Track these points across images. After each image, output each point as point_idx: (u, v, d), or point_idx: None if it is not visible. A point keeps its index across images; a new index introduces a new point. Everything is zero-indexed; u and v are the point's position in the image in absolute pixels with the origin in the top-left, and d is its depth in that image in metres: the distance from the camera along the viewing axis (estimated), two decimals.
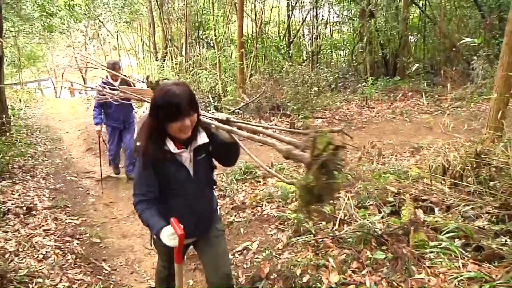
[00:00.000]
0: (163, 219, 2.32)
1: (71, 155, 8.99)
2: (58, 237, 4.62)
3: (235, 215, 4.83)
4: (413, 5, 15.69)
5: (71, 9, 15.36)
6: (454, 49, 13.15)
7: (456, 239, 3.38)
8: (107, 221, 5.47)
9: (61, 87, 28.33)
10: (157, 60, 19.55)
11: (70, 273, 3.88)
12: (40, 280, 3.60)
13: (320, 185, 1.74)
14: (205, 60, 16.23)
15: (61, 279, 3.73)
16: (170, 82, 2.23)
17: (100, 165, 6.95)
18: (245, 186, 5.72)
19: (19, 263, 3.85)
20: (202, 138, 2.39)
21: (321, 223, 4.03)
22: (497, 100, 5.25)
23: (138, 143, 2.29)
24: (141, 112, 3.73)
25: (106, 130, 6.93)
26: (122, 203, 6.11)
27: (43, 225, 4.89)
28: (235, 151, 2.57)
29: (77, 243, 4.61)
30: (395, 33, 14.62)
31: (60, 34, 21.75)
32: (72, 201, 6.12)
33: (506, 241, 3.23)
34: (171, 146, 2.28)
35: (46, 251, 4.18)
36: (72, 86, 25.83)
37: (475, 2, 13.82)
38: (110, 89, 5.72)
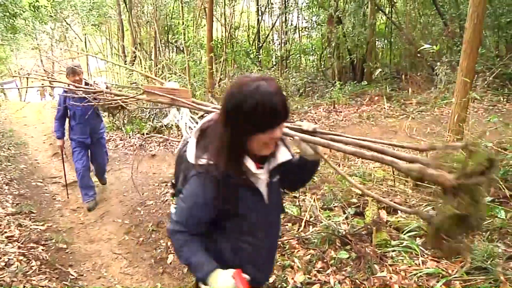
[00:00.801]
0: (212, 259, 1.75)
1: (36, 160, 8.78)
2: (22, 243, 4.52)
3: None
4: (379, 12, 16.07)
5: (36, 10, 15.01)
6: (418, 55, 13.52)
7: (417, 238, 3.50)
8: (73, 227, 5.39)
9: (27, 90, 27.61)
10: (125, 64, 19.33)
11: (34, 280, 3.80)
12: None
13: (467, 213, 1.38)
14: (174, 65, 16.14)
15: (24, 286, 3.65)
16: (253, 76, 1.56)
17: (64, 171, 6.48)
18: None
19: None
20: (283, 154, 1.77)
21: (287, 225, 4.10)
22: (456, 104, 5.45)
23: (203, 161, 1.65)
24: (168, 120, 3.46)
25: (71, 146, 5.88)
26: None
27: (5, 232, 4.77)
28: (314, 171, 2.04)
29: (42, 249, 4.52)
30: (362, 39, 14.92)
31: (24, 36, 21.25)
32: (38, 207, 5.99)
33: (462, 238, 3.36)
34: (251, 165, 1.65)
35: (9, 258, 4.08)
36: (43, 86, 25.21)
37: (438, 10, 14.27)
38: (79, 97, 5.06)
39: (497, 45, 13.82)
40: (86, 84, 5.39)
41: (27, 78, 26.79)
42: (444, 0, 14.91)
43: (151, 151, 8.74)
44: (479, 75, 9.19)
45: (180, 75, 14.06)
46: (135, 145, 9.19)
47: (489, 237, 3.43)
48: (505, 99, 10.44)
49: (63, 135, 5.83)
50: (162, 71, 15.24)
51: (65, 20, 22.49)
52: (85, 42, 26.29)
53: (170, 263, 4.08)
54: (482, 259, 3.01)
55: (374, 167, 5.85)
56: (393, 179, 4.82)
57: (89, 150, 5.96)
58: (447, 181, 1.36)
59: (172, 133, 9.74)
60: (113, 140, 9.64)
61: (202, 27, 18.78)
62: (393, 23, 15.94)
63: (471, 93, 5.50)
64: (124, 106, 4.91)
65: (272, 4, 18.60)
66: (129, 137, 9.73)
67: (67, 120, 5.79)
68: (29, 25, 19.32)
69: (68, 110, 5.64)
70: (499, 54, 13.03)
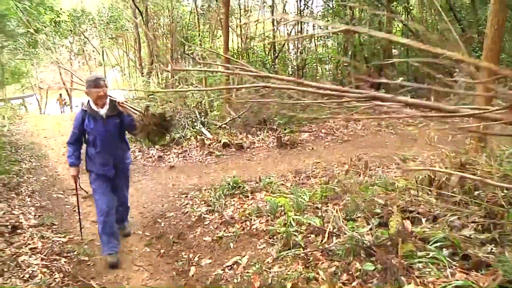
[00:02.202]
0: None
1: (57, 172, 8.89)
2: (45, 255, 4.56)
3: (224, 230, 4.82)
4: (395, 19, 15.98)
5: (56, 26, 15.32)
6: (436, 61, 13.37)
7: (444, 249, 3.42)
8: (94, 238, 5.40)
9: (46, 103, 28.11)
10: (142, 76, 19.54)
11: None
12: None
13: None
14: (191, 76, 16.26)
15: None
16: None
17: (78, 208, 5.46)
18: (233, 201, 5.72)
19: (4, 283, 3.78)
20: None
21: (310, 236, 4.05)
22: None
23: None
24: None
25: (89, 179, 4.75)
26: None
27: (29, 244, 4.82)
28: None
29: (65, 261, 4.55)
30: (379, 47, 14.85)
31: (45, 50, 21.68)
32: (59, 219, 6.04)
33: (492, 249, 3.29)
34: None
35: (33, 270, 4.12)
36: (60, 96, 25.59)
37: (455, 16, 14.14)
38: (104, 118, 4.45)
39: None
40: (112, 102, 4.45)
41: (47, 91, 27.26)
42: (461, 5, 14.78)
43: (170, 162, 8.78)
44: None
45: (196, 86, 14.15)
46: (154, 156, 9.23)
47: None
48: None
49: (79, 161, 4.62)
50: (179, 83, 15.35)
51: (83, 34, 22.90)
52: (103, 55, 26.70)
53: (192, 275, 4.06)
54: None
55: (396, 176, 5.77)
56: (416, 189, 4.74)
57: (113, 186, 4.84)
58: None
59: (191, 144, 9.77)
60: (132, 152, 9.71)
61: (218, 38, 18.93)
62: (409, 30, 15.84)
63: (494, 101, 5.38)
64: (167, 132, 4.34)
65: (287, 14, 18.63)
66: (148, 149, 9.79)
67: (82, 146, 4.73)
68: (49, 40, 19.69)
69: (86, 134, 4.58)
70: None
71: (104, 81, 4.46)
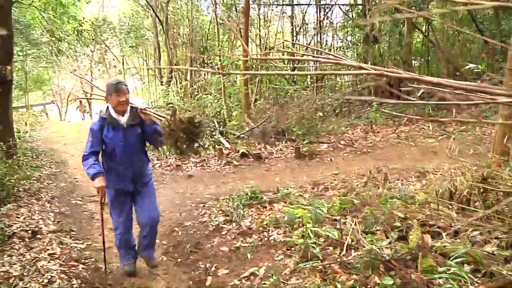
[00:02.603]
0: None
1: (76, 178, 9.00)
2: (63, 261, 4.59)
3: (242, 241, 4.80)
4: (416, 30, 15.87)
5: (79, 34, 15.63)
6: (457, 73, 13.23)
7: (465, 265, 3.34)
8: (112, 246, 5.43)
9: (66, 110, 28.58)
10: (162, 85, 19.75)
11: None
12: None
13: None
14: (210, 85, 16.39)
15: None
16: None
17: (103, 233, 4.63)
18: (251, 211, 5.70)
19: (24, 287, 3.82)
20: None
21: (328, 249, 4.01)
22: (502, 124, 5.27)
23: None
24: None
25: (107, 195, 4.22)
26: None
27: (48, 249, 4.86)
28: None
29: (83, 268, 4.57)
30: (399, 58, 14.75)
31: (67, 58, 22.09)
32: (77, 225, 6.10)
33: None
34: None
35: (51, 276, 4.15)
36: (81, 103, 25.94)
37: (477, 27, 13.99)
38: (126, 127, 4.02)
39: None
40: (133, 108, 4.05)
41: (67, 98, 27.72)
42: (484, 16, 14.62)
43: (188, 171, 8.81)
44: None
45: (215, 96, 14.24)
46: (172, 165, 9.29)
47: None
48: None
49: (102, 170, 4.07)
50: (198, 92, 15.48)
51: (104, 43, 23.28)
52: (123, 63, 27.08)
53: (209, 285, 4.05)
54: None
55: (415, 189, 5.69)
56: (436, 202, 4.66)
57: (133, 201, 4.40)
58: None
59: (209, 153, 9.80)
60: (150, 160, 9.78)
61: (237, 48, 19.04)
62: (430, 41, 15.71)
63: None
64: (196, 138, 3.80)
65: (306, 24, 18.68)
66: (166, 157, 9.85)
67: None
68: (71, 48, 20.08)
69: (104, 146, 4.09)
70: None
71: (126, 85, 4.03)
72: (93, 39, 20.97)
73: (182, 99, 16.34)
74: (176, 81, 20.09)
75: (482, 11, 14.76)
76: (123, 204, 4.30)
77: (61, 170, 9.59)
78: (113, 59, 27.18)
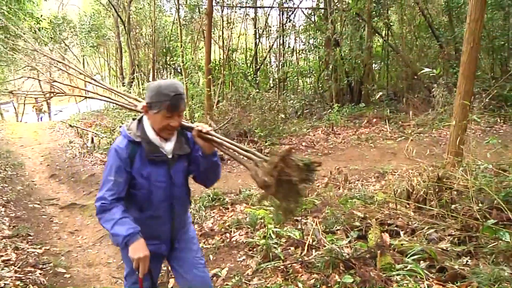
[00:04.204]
0: None
1: (33, 181, 8.73)
2: (19, 267, 4.45)
3: (204, 242, 4.79)
4: (376, 34, 16.27)
5: (36, 32, 15.13)
6: (415, 77, 13.66)
7: (421, 261, 3.47)
8: (72, 250, 5.32)
9: (23, 111, 27.62)
10: (123, 86, 19.42)
11: None
12: None
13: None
14: None
15: None
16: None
17: None
18: (213, 213, 5.70)
19: None
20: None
21: (289, 249, 4.06)
22: (456, 126, 5.49)
23: None
24: None
25: (123, 257, 2.70)
26: (87, 231, 5.96)
27: (1, 256, 4.70)
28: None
29: (40, 274, 4.45)
30: (359, 61, 15.08)
31: (24, 56, 21.36)
32: (35, 229, 5.92)
33: (467, 261, 3.36)
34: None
35: (5, 283, 4.01)
36: (36, 101, 24.94)
37: (433, 33, 14.49)
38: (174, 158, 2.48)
39: (492, 67, 14.04)
40: (183, 132, 2.56)
41: (25, 98, 26.75)
42: (440, 23, 15.15)
43: None
44: (476, 97, 9.29)
45: None
46: None
47: (494, 260, 3.41)
48: (502, 120, 10.53)
49: (138, 227, 2.35)
50: None
51: (64, 42, 22.67)
52: (83, 64, 26.45)
53: (172, 287, 4.02)
54: (488, 283, 2.98)
55: (375, 189, 5.84)
56: (395, 202, 4.80)
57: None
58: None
59: None
60: (93, 164, 9.59)
61: (200, 49, 18.97)
62: (389, 46, 16.14)
63: (471, 116, 5.53)
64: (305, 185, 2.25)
65: (269, 27, 18.81)
66: None
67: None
68: (28, 47, 19.41)
69: (132, 186, 2.45)
70: (494, 76, 13.22)
71: (184, 99, 2.42)
72: (51, 37, 20.38)
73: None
74: (138, 82, 19.81)
75: (438, 18, 15.32)
76: (152, 270, 2.49)
77: (17, 173, 9.28)
78: (73, 59, 26.50)
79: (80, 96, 3.27)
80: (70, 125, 14.83)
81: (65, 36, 22.48)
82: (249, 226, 4.82)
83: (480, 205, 4.22)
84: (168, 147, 2.44)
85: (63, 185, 7.19)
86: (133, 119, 2.49)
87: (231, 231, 4.88)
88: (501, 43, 13.40)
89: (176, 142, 2.48)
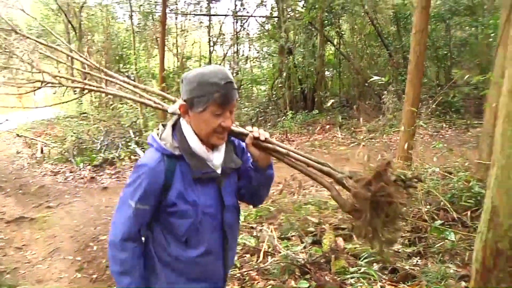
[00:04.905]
0: None
1: None
2: None
3: None
4: (328, 43, 16.65)
5: None
6: (366, 84, 14.06)
7: (374, 264, 3.58)
8: (19, 266, 5.09)
9: None
10: (75, 93, 18.88)
11: None
12: None
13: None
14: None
15: None
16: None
17: None
18: None
19: None
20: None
21: (245, 256, 4.07)
22: (404, 132, 5.71)
23: None
24: None
25: None
26: (37, 245, 5.73)
27: None
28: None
29: None
30: (312, 69, 15.36)
31: None
32: None
33: (417, 261, 3.50)
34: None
35: None
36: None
37: (383, 42, 15.01)
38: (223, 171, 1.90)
39: (437, 75, 14.73)
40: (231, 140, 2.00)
41: None
42: (388, 32, 15.71)
43: (102, 183, 8.50)
44: (423, 103, 9.68)
45: (131, 105, 13.90)
46: (86, 177, 8.91)
47: (441, 259, 3.57)
48: (447, 126, 11.02)
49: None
50: (113, 101, 15.01)
51: (9, 47, 21.78)
52: (31, 70, 25.46)
53: None
54: (436, 280, 3.12)
55: (328, 195, 5.95)
56: None
57: None
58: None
59: (124, 164, 9.54)
60: (62, 173, 9.29)
61: (154, 57, 18.75)
62: (341, 54, 16.55)
63: (418, 122, 5.77)
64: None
65: (223, 35, 18.87)
66: (80, 169, 9.43)
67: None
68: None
69: (170, 215, 1.79)
70: (439, 83, 13.85)
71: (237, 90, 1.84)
72: None
73: (97, 108, 15.75)
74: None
75: (387, 27, 15.89)
76: None
77: None
78: (21, 66, 25.48)
79: (84, 88, 2.20)
80: (18, 135, 14.24)
81: (10, 40, 21.59)
82: None
83: (428, 207, 4.41)
84: (217, 159, 1.84)
85: (10, 198, 6.87)
86: (163, 125, 1.88)
87: None
88: (444, 52, 14.13)
89: (226, 152, 1.89)
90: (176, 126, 1.84)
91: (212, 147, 1.84)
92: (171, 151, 1.74)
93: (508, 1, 4.37)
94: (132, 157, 9.97)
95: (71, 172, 9.36)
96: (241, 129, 1.92)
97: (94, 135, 11.50)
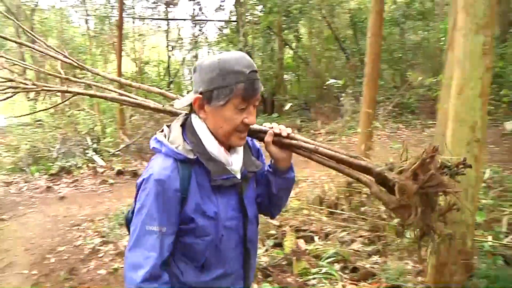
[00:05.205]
0: None
1: None
2: None
3: (120, 262, 4.63)
4: (287, 46, 16.84)
5: None
6: (325, 87, 14.30)
7: (336, 264, 3.64)
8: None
9: None
10: (28, 100, 18.26)
11: None
12: None
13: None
14: (82, 101, 15.56)
15: None
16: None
17: None
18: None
19: None
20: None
21: None
22: (362, 133, 5.84)
23: None
24: None
25: None
26: None
27: None
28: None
29: None
30: (271, 73, 15.48)
31: None
32: None
33: (377, 259, 3.59)
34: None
35: None
36: None
37: (340, 46, 15.32)
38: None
39: (393, 77, 15.17)
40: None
41: None
42: (346, 36, 16.05)
43: (59, 193, 8.25)
44: (380, 105, 9.93)
45: (88, 112, 13.58)
46: (42, 187, 8.62)
47: (400, 255, 3.68)
48: (404, 126, 11.37)
49: None
50: (69, 108, 14.60)
51: None
52: None
53: None
54: (395, 277, 3.21)
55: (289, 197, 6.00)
56: (308, 208, 4.98)
57: None
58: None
59: (82, 173, 9.30)
60: (15, 183, 8.95)
61: (111, 62, 18.41)
62: (300, 58, 16.77)
63: (374, 123, 5.91)
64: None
65: (182, 39, 18.75)
66: (35, 179, 9.11)
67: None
68: None
69: (194, 233, 1.49)
70: (395, 85, 14.28)
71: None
72: None
73: (52, 115, 15.27)
74: (45, 95, 18.72)
75: (344, 31, 16.23)
76: None
77: None
78: None
79: (67, 92, 2.14)
80: None
81: None
82: None
83: None
84: (237, 163, 1.56)
85: None
86: (167, 126, 1.60)
87: None
88: (399, 55, 14.60)
89: (244, 153, 1.62)
90: (185, 126, 1.55)
91: (229, 149, 1.55)
92: (186, 155, 1.44)
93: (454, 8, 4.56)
94: (90, 164, 9.73)
95: (25, 182, 9.03)
96: (259, 126, 1.64)
97: (50, 143, 11.14)
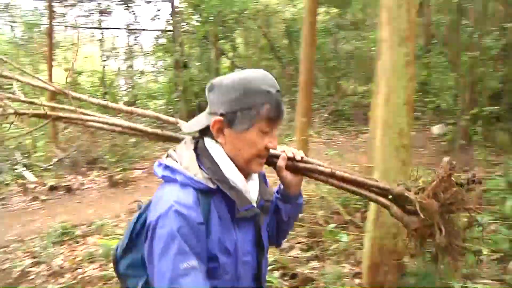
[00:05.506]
0: None
1: None
2: None
3: (53, 282, 4.40)
4: (223, 56, 16.91)
5: None
6: None
7: (275, 271, 3.67)
8: None
9: None
10: None
11: None
12: None
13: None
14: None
15: None
16: None
17: None
18: (63, 248, 5.28)
19: None
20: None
21: None
22: (298, 141, 5.97)
23: None
24: None
25: None
26: None
27: None
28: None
29: None
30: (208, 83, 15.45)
31: None
32: None
33: (315, 265, 3.67)
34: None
35: None
36: None
37: (276, 55, 15.63)
38: None
39: (328, 86, 15.65)
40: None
41: None
42: (281, 46, 16.38)
43: None
44: (315, 113, 10.22)
45: (17, 125, 12.87)
46: None
47: (337, 260, 3.77)
48: (339, 133, 11.74)
49: None
50: None
51: None
52: None
53: None
54: (333, 281, 3.29)
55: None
56: None
57: None
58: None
59: (11, 190, 8.79)
60: None
61: (42, 72, 17.60)
62: (236, 67, 16.88)
63: (309, 131, 6.06)
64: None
65: (116, 49, 18.33)
66: None
67: None
68: None
69: (213, 274, 1.29)
70: (330, 93, 14.74)
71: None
72: None
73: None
74: None
75: (280, 41, 16.56)
76: None
77: None
78: None
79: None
80: None
81: None
82: (103, 258, 4.57)
83: (322, 211, 4.64)
84: (254, 191, 1.43)
85: None
86: (174, 151, 1.41)
87: (83, 266, 4.58)
88: (333, 64, 15.11)
89: (260, 184, 1.48)
90: (198, 150, 1.37)
91: (247, 175, 1.39)
92: (206, 183, 1.27)
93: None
94: (20, 181, 9.20)
95: None
96: (276, 151, 1.46)
97: None
